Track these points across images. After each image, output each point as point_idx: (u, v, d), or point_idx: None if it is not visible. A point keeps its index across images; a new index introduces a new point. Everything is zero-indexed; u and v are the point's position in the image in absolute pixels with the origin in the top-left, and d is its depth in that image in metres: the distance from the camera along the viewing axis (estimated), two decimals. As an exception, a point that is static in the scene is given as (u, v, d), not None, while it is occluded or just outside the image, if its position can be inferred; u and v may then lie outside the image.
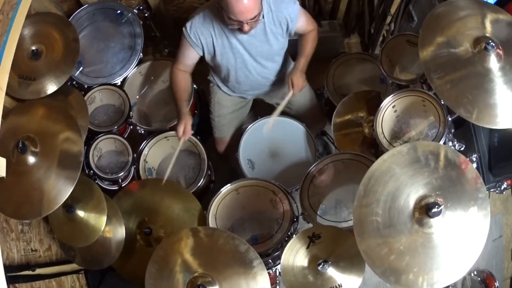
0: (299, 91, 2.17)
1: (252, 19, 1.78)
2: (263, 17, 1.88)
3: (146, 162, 2.30)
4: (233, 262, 1.57)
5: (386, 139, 1.94)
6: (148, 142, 2.29)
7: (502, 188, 2.13)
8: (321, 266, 1.65)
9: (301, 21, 2.05)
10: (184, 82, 2.17)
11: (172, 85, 2.19)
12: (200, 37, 1.98)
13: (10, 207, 1.69)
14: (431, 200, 1.44)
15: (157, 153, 2.35)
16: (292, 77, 2.13)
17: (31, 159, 1.67)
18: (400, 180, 1.49)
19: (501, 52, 1.64)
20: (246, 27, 1.81)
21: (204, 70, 2.39)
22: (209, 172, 2.39)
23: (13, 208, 1.69)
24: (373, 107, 2.08)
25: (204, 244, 1.63)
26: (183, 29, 2.00)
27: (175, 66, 2.15)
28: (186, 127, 2.14)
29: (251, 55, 2.06)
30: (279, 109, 2.18)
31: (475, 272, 2.36)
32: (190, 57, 2.09)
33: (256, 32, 1.95)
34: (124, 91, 2.33)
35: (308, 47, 2.16)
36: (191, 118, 2.18)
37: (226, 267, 1.57)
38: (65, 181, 1.66)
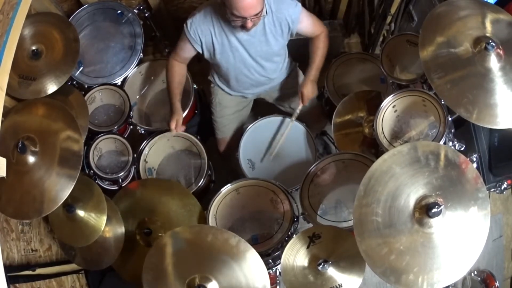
0: (308, 102, 2.22)
1: (255, 15, 1.78)
2: (266, 13, 1.88)
3: (146, 162, 2.30)
4: (225, 256, 1.56)
5: (386, 139, 1.94)
6: (148, 142, 2.29)
7: (502, 188, 2.13)
8: (321, 266, 1.65)
9: (305, 23, 2.05)
10: (179, 74, 2.17)
11: (167, 76, 2.18)
12: (200, 34, 1.98)
13: (11, 207, 1.69)
14: (431, 200, 1.44)
15: (158, 153, 2.35)
16: (303, 89, 2.18)
17: (31, 159, 1.67)
18: (400, 180, 1.49)
19: (501, 52, 1.63)
20: (249, 24, 1.81)
21: (204, 70, 2.39)
22: (210, 172, 2.39)
23: (13, 208, 1.69)
24: (373, 107, 2.08)
25: (194, 243, 1.62)
26: (184, 25, 2.00)
27: (172, 57, 2.15)
28: (178, 122, 2.16)
29: (250, 55, 2.06)
30: (291, 124, 2.24)
31: (476, 272, 2.36)
32: (188, 51, 2.09)
33: (255, 32, 1.95)
34: (124, 91, 2.33)
35: (319, 55, 2.17)
36: (182, 112, 2.19)
37: (220, 262, 1.56)
38: (65, 181, 1.66)
